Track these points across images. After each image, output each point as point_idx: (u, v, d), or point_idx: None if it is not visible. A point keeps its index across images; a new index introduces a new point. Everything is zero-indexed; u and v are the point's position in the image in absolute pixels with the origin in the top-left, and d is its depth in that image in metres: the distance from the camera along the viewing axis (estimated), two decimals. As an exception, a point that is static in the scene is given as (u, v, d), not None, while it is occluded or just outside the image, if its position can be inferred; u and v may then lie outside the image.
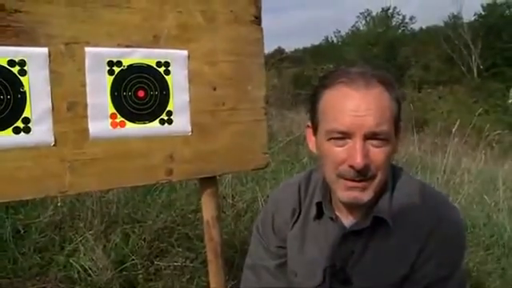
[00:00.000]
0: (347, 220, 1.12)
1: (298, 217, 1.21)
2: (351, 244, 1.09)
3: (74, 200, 2.51)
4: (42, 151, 1.15)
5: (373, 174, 1.01)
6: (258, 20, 1.54)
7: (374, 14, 33.34)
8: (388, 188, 1.08)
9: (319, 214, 1.15)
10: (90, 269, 2.08)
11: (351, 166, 0.98)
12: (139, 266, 2.21)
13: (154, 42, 1.31)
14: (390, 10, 32.60)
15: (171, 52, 1.34)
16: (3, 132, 1.11)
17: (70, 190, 1.20)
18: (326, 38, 36.77)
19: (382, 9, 32.40)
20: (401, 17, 33.19)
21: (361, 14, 33.87)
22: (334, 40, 36.34)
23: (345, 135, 0.99)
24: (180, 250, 2.42)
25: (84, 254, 2.17)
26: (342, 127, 0.98)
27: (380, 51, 29.17)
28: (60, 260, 2.17)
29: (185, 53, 1.36)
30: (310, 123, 1.13)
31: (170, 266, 2.30)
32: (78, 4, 1.19)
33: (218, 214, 1.51)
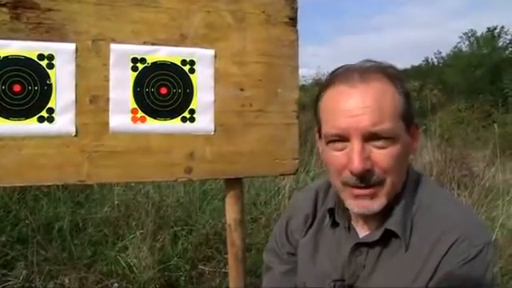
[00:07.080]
0: (362, 230, 1.03)
1: (312, 224, 1.14)
2: (363, 257, 1.00)
3: (131, 199, 2.62)
4: (64, 141, 1.22)
5: (380, 179, 0.91)
6: (293, 22, 1.49)
7: (478, 34, 31.04)
8: (403, 197, 0.97)
9: (334, 222, 1.08)
10: (135, 266, 2.15)
11: (351, 172, 0.91)
12: (182, 269, 2.24)
13: (181, 40, 1.33)
14: (497, 30, 30.14)
15: (197, 51, 1.34)
16: (28, 120, 1.19)
17: (88, 179, 1.24)
18: (426, 60, 34.76)
19: (488, 29, 29.97)
20: (509, 37, 30.52)
21: (464, 34, 31.59)
22: (435, 61, 34.30)
23: (342, 138, 0.90)
24: (226, 256, 2.41)
25: (131, 252, 2.25)
26: (337, 129, 0.90)
27: (484, 74, 27.12)
28: (110, 255, 2.26)
29: (211, 52, 1.36)
30: (317, 128, 1.06)
31: (214, 271, 2.30)
32: (106, 3, 1.25)
33: (242, 218, 1.48)
